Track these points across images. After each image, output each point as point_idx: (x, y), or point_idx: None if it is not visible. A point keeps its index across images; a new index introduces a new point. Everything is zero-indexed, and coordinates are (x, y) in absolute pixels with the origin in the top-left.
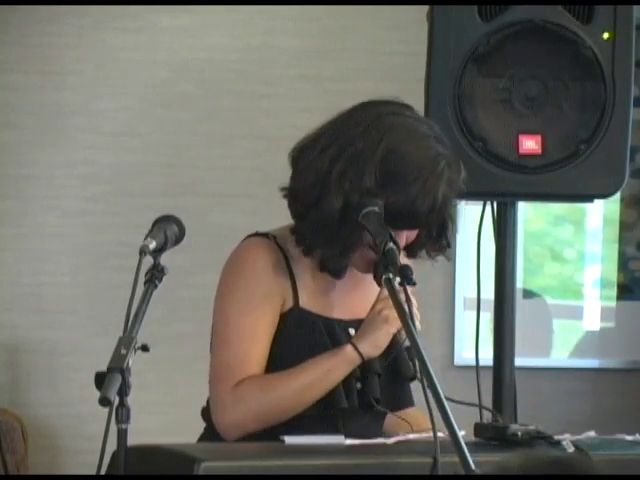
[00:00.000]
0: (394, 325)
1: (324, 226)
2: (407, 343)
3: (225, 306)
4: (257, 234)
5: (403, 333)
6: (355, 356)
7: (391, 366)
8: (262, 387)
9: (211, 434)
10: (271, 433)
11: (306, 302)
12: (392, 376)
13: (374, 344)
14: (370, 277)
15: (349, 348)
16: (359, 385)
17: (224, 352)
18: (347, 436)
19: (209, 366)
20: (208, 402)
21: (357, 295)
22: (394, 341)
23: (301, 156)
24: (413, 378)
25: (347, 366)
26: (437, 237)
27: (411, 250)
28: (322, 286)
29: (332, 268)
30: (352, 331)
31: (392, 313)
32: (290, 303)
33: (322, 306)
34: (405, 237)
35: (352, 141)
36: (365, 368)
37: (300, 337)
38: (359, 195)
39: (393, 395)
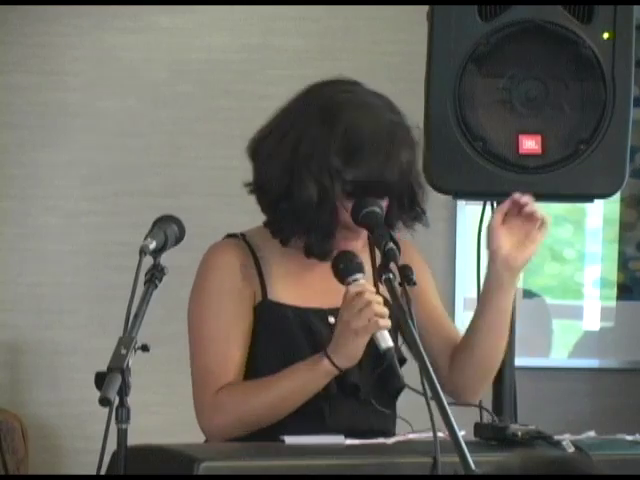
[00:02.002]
0: (364, 335)
1: (302, 213)
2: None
3: (196, 311)
4: (227, 236)
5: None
6: (331, 369)
7: (378, 379)
8: (241, 396)
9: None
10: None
11: (276, 294)
12: (378, 391)
13: (348, 356)
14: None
15: (325, 361)
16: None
17: (202, 357)
18: (332, 424)
19: (190, 371)
20: None
21: (338, 283)
22: (383, 354)
23: (260, 148)
24: (398, 392)
25: (323, 379)
26: (410, 205)
27: (386, 222)
28: (298, 276)
29: (318, 253)
30: (332, 319)
31: (360, 322)
32: (259, 297)
33: (297, 296)
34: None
35: (309, 125)
36: None
37: (270, 329)
38: (329, 176)
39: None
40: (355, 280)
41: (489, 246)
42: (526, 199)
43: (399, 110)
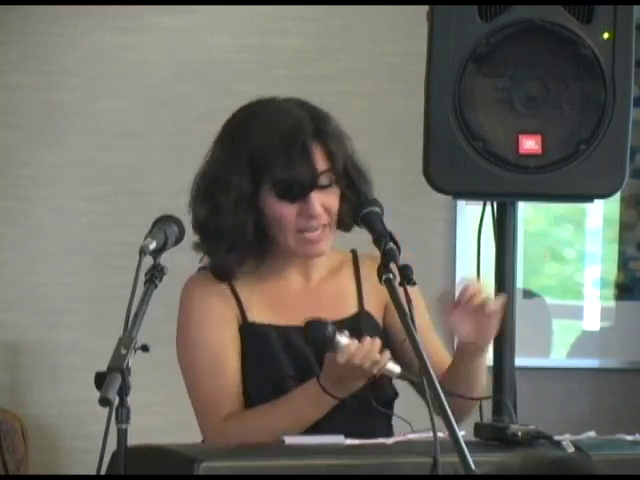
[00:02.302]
0: (365, 377)
1: (238, 238)
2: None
3: (183, 343)
4: (200, 269)
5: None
6: (328, 399)
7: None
8: (242, 427)
9: None
10: None
11: (256, 315)
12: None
13: (346, 390)
14: (328, 277)
15: (323, 395)
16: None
17: (199, 388)
18: (327, 430)
19: (190, 400)
20: None
21: (316, 298)
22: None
23: (191, 191)
24: (389, 401)
25: (322, 409)
26: (354, 196)
27: (340, 221)
28: (275, 297)
29: (222, 271)
30: None
31: (359, 374)
32: (240, 320)
33: (276, 316)
34: (318, 204)
35: (216, 152)
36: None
37: (253, 350)
38: (243, 200)
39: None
40: (337, 345)
41: (444, 326)
42: (472, 291)
43: (310, 104)
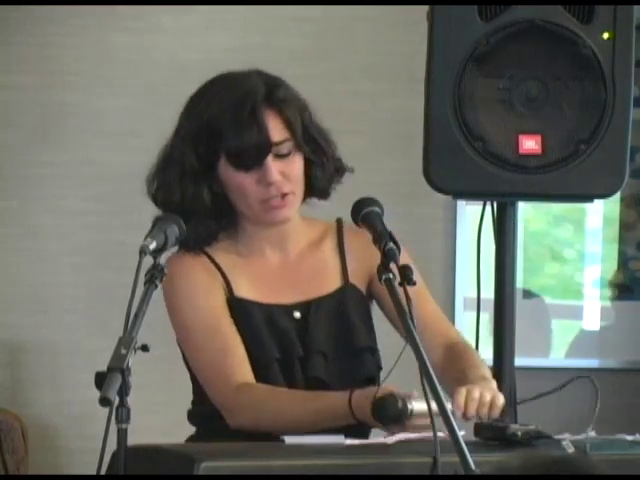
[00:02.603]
0: None
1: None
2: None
3: (177, 317)
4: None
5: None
6: (350, 420)
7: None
8: (258, 406)
9: (200, 439)
10: None
11: (241, 291)
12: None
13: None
14: (309, 250)
15: (350, 418)
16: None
17: (202, 356)
18: None
19: (196, 374)
20: (194, 404)
21: (297, 273)
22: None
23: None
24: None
25: (340, 424)
26: (319, 160)
27: (314, 187)
28: (258, 275)
29: (193, 239)
30: (297, 314)
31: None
32: (227, 293)
33: (260, 293)
34: (275, 171)
35: (175, 128)
36: (309, 348)
37: (239, 327)
38: (199, 161)
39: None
40: (412, 413)
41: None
42: (461, 409)
43: (271, 75)
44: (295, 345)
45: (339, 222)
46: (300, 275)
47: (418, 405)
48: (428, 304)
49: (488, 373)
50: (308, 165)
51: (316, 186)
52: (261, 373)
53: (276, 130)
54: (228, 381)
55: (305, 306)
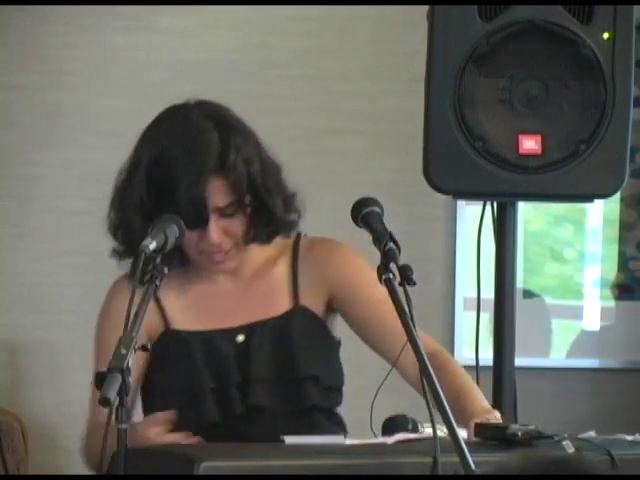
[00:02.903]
0: None
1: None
2: None
3: (93, 344)
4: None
5: None
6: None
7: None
8: (88, 442)
9: None
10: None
11: (180, 322)
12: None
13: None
14: (261, 271)
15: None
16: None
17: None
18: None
19: None
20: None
21: (246, 297)
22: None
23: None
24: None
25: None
26: (264, 212)
27: (258, 236)
28: (202, 300)
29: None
30: (240, 338)
31: None
32: (161, 328)
33: (201, 321)
34: (216, 232)
35: (128, 160)
36: (248, 374)
37: (172, 358)
38: (135, 210)
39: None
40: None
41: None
42: None
43: (223, 117)
44: (233, 372)
45: (297, 238)
46: (249, 297)
47: (429, 430)
48: (393, 314)
49: (484, 400)
50: (250, 217)
51: (255, 237)
52: (192, 404)
53: (221, 195)
54: (89, 423)
55: (250, 329)
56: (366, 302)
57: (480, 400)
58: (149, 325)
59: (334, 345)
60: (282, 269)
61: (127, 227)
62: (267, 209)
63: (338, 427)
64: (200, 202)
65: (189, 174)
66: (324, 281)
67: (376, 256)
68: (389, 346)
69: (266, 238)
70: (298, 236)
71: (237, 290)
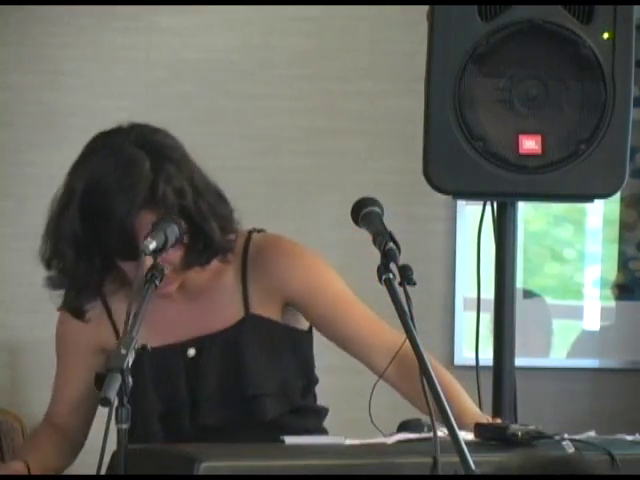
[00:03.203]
0: None
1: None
2: None
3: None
4: None
5: None
6: None
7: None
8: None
9: None
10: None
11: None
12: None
13: None
14: (211, 280)
15: None
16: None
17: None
18: None
19: None
20: None
21: (196, 310)
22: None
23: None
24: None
25: None
26: (199, 237)
27: (196, 261)
28: (153, 316)
29: (70, 308)
30: (191, 352)
31: None
32: (113, 340)
33: (151, 336)
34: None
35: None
36: (198, 393)
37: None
38: (69, 242)
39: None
40: None
41: None
42: None
43: (155, 147)
44: (182, 393)
45: (246, 242)
46: (200, 309)
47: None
48: (356, 311)
49: (474, 404)
50: (189, 243)
51: (195, 264)
52: (139, 429)
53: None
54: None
55: (200, 342)
56: (324, 304)
57: (470, 403)
58: (101, 337)
59: (300, 340)
60: (231, 278)
61: (60, 258)
62: (203, 235)
63: (313, 419)
64: (132, 236)
65: (120, 207)
66: (277, 289)
67: (376, 256)
68: (356, 345)
69: (205, 262)
70: (248, 239)
71: (187, 303)
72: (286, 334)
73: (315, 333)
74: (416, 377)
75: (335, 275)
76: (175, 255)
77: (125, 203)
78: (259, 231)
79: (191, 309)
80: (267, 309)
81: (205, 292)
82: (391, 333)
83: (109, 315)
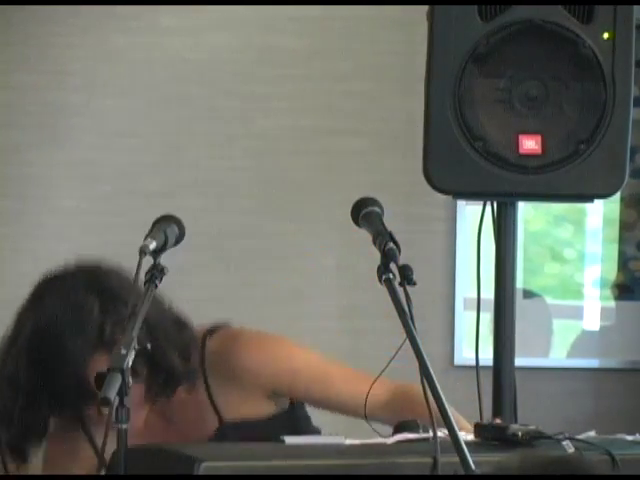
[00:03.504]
0: None
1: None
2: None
3: None
4: None
5: None
6: None
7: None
8: None
9: None
10: None
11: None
12: None
13: None
14: (182, 403)
15: None
16: None
17: None
18: None
19: None
20: None
21: (171, 428)
22: None
23: None
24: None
25: None
26: (159, 374)
27: (161, 393)
28: (140, 434)
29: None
30: None
31: None
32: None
33: None
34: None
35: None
36: None
37: None
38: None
39: None
40: None
41: None
42: None
43: (106, 286)
44: None
45: (202, 346)
46: (173, 429)
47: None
48: (333, 379)
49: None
50: (149, 379)
51: (158, 397)
52: None
53: None
54: None
55: None
56: (303, 386)
57: (458, 416)
58: (84, 461)
59: (284, 421)
60: (200, 388)
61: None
62: (164, 368)
63: None
64: (84, 383)
65: (70, 354)
66: (251, 385)
67: (376, 256)
68: (344, 410)
69: (170, 393)
70: (202, 346)
71: (159, 423)
72: (269, 426)
73: None
74: (406, 413)
75: (301, 351)
76: (136, 393)
77: (75, 348)
78: (211, 330)
79: (166, 430)
80: (245, 408)
81: (178, 413)
82: (367, 382)
83: (90, 439)
